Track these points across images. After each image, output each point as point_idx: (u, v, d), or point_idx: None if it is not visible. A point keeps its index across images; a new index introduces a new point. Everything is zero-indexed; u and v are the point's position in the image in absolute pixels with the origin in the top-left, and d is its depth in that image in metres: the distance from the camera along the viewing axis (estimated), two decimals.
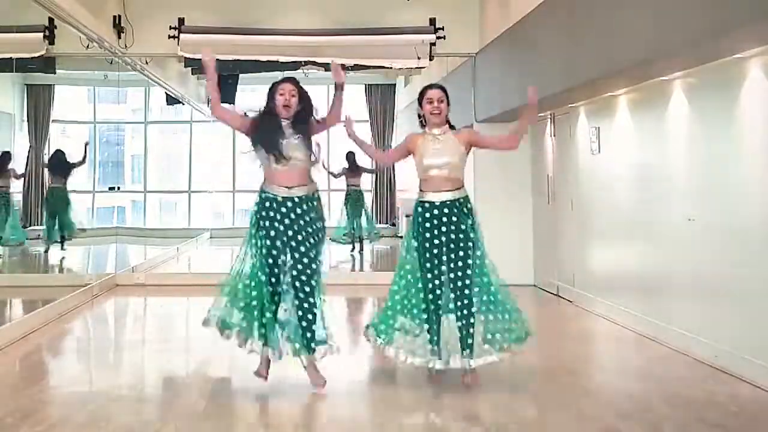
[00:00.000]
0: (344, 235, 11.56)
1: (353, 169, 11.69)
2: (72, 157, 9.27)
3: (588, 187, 6.99)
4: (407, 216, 13.38)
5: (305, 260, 4.16)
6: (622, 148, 6.28)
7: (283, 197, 4.18)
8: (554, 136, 7.87)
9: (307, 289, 4.16)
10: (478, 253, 4.28)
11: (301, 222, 4.17)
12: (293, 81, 4.34)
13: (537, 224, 8.41)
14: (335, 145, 14.05)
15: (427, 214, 4.27)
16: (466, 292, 4.22)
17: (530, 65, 6.71)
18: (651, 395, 4.24)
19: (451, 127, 4.44)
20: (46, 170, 9.10)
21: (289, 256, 4.17)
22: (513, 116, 7.82)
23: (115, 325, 7.16)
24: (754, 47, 4.22)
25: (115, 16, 8.21)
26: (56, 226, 9.03)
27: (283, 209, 4.17)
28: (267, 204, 4.20)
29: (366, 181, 12.37)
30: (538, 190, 8.32)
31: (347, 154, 11.71)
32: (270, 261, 4.16)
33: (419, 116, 4.46)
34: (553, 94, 6.27)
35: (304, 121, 4.29)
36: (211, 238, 13.86)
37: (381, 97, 14.14)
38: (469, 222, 4.26)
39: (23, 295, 7.60)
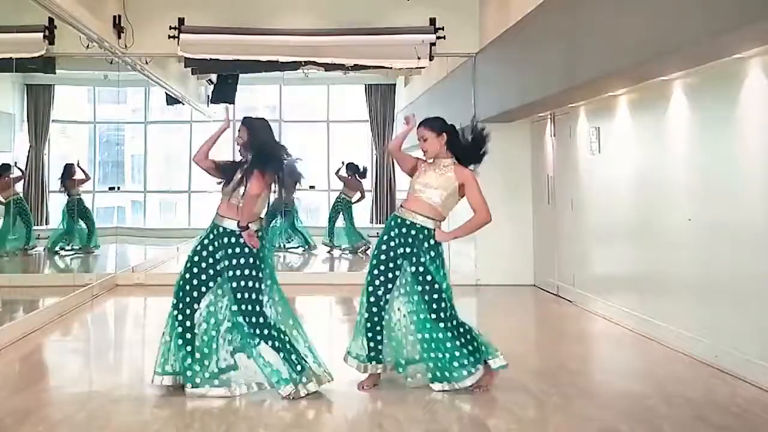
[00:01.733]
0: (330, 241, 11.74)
1: (354, 182, 11.79)
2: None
3: (588, 188, 6.99)
4: None
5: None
6: (622, 148, 6.28)
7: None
8: (554, 136, 7.87)
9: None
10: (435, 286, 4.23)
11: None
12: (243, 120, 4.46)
13: (537, 224, 8.41)
14: (334, 147, 14.09)
15: (393, 231, 4.31)
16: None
17: (530, 65, 6.71)
18: (651, 395, 4.24)
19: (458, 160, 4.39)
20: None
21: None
22: (513, 116, 7.84)
23: (115, 325, 7.16)
24: (754, 47, 4.22)
25: (115, 16, 8.20)
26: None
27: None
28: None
29: (365, 183, 12.39)
30: (538, 191, 8.32)
31: (351, 166, 11.81)
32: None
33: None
34: (553, 94, 6.27)
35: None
36: None
37: (381, 97, 14.13)
38: (430, 254, 4.25)
39: (23, 295, 7.60)
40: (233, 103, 12.07)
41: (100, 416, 3.83)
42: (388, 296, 4.29)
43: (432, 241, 4.25)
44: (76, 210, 9.52)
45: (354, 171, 11.93)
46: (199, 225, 13.90)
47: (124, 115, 12.43)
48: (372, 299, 4.28)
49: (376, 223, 13.70)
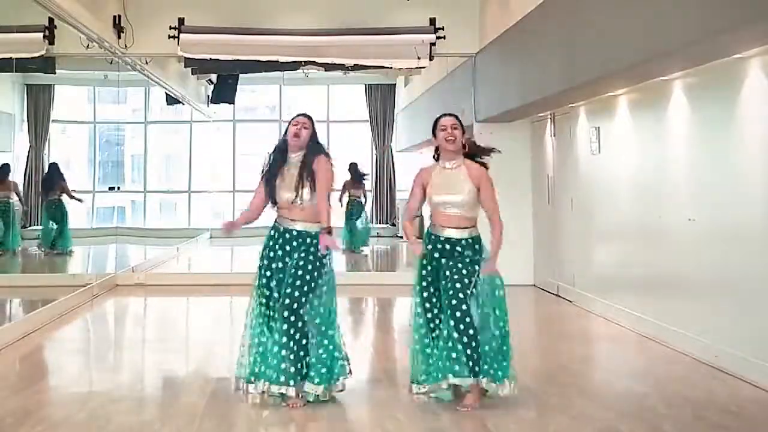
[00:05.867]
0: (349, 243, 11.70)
1: (356, 180, 11.74)
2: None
3: (588, 187, 6.99)
4: None
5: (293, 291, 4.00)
6: (622, 148, 6.28)
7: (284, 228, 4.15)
8: (554, 136, 7.87)
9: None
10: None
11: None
12: (307, 114, 4.30)
13: (537, 224, 8.41)
14: (335, 147, 14.09)
15: (437, 246, 4.09)
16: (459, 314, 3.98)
17: (530, 65, 6.71)
18: (651, 395, 4.24)
19: (471, 158, 4.19)
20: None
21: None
22: (513, 116, 7.84)
23: (115, 325, 7.16)
24: (754, 47, 4.22)
25: (115, 16, 8.20)
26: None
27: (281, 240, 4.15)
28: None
29: (365, 183, 12.40)
30: (538, 190, 8.32)
31: (350, 165, 11.79)
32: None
33: (435, 149, 4.24)
34: (553, 94, 6.27)
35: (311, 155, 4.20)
36: (211, 238, 13.86)
37: (381, 97, 14.15)
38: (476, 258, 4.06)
39: (23, 295, 7.60)
40: (233, 103, 12.10)
41: (100, 416, 3.83)
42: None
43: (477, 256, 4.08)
44: (55, 212, 9.32)
45: (354, 169, 11.86)
46: (199, 225, 13.96)
47: (124, 115, 12.43)
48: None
49: (377, 223, 13.72)
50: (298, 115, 4.29)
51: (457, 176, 4.11)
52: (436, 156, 4.25)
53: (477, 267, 4.04)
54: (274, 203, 4.21)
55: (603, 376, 4.89)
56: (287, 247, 4.11)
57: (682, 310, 5.30)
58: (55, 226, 9.35)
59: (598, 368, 5.23)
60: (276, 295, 4.08)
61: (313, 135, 4.23)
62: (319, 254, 4.06)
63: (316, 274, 4.04)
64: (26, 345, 5.57)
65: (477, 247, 4.10)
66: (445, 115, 4.25)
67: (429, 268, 4.12)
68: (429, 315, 4.12)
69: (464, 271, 4.00)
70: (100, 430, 3.63)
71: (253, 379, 3.99)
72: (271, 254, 4.14)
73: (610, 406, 4.05)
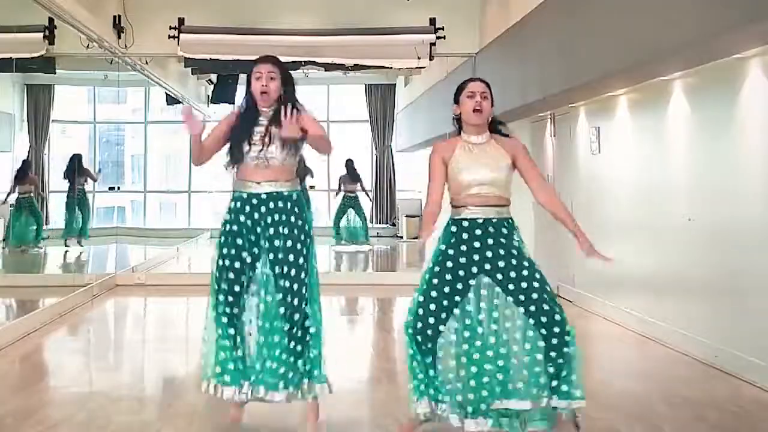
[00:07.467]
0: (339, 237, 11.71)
1: (353, 177, 11.77)
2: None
3: (588, 187, 6.99)
4: (407, 216, 13.49)
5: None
6: (622, 148, 6.28)
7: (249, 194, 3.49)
8: (554, 136, 7.86)
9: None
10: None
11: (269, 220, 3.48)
12: (273, 60, 3.56)
13: (537, 224, 8.40)
14: (334, 147, 14.05)
15: (473, 233, 3.32)
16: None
17: (530, 65, 6.71)
18: (651, 395, 4.24)
19: (498, 132, 3.51)
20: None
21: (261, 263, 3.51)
22: (513, 116, 7.83)
23: (115, 325, 7.16)
24: (754, 47, 4.22)
25: (115, 16, 8.20)
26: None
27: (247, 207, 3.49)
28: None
29: (364, 182, 12.41)
30: None
31: (346, 162, 11.80)
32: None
33: (454, 118, 3.49)
34: (553, 94, 6.27)
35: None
36: (211, 238, 13.83)
37: (381, 97, 14.15)
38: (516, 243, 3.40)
39: (23, 295, 7.60)
40: (233, 103, 12.08)
41: (100, 416, 3.83)
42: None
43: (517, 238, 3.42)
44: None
45: (351, 166, 11.86)
46: (199, 225, 13.96)
47: (124, 115, 12.45)
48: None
49: (377, 222, 13.72)
50: (259, 62, 3.53)
51: (491, 151, 3.42)
52: (457, 128, 3.50)
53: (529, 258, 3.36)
54: (233, 163, 3.54)
55: (603, 376, 4.89)
56: (256, 215, 3.46)
57: (682, 310, 5.30)
58: (79, 216, 9.58)
59: (598, 368, 5.23)
60: (244, 280, 3.49)
61: (286, 81, 3.52)
62: (297, 221, 3.45)
63: (299, 246, 3.44)
64: (26, 345, 5.57)
65: (518, 232, 3.45)
66: (474, 79, 3.48)
67: (460, 260, 3.27)
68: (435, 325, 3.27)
69: (525, 263, 3.30)
70: (100, 430, 3.63)
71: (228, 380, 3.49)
72: (234, 228, 3.48)
73: (610, 406, 4.05)
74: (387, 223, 14.09)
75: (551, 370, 3.16)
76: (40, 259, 9.32)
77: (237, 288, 3.49)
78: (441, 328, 3.26)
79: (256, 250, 3.50)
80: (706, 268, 5.00)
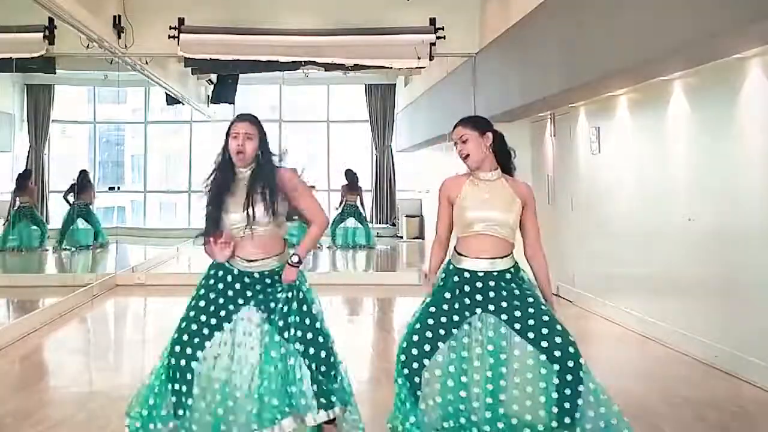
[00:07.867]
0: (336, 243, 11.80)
1: (353, 188, 11.83)
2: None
3: (588, 187, 6.99)
4: (407, 216, 13.48)
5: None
6: (622, 148, 6.28)
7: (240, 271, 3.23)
8: (554, 136, 7.86)
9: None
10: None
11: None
12: (250, 119, 3.29)
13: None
14: (334, 147, 14.09)
15: (467, 287, 3.21)
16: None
17: (530, 65, 6.71)
18: (651, 395, 4.24)
19: (508, 170, 3.49)
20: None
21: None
22: (513, 116, 7.83)
23: (115, 325, 7.16)
24: (754, 47, 4.22)
25: (115, 16, 8.20)
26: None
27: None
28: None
29: (365, 183, 12.45)
30: (538, 190, 8.30)
31: (346, 172, 11.84)
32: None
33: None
34: (553, 94, 6.26)
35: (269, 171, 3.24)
36: None
37: (381, 97, 14.13)
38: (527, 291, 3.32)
39: (23, 295, 7.60)
40: (233, 103, 12.10)
41: (100, 416, 3.83)
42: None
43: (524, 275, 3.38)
44: (87, 214, 9.73)
45: (351, 176, 11.99)
46: (199, 225, 13.95)
47: (124, 115, 12.45)
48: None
49: (377, 223, 13.72)
50: (237, 121, 3.26)
51: (501, 190, 3.33)
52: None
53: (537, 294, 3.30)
54: (206, 236, 3.26)
55: (603, 376, 4.86)
56: (248, 293, 3.21)
57: (682, 310, 5.30)
58: (84, 226, 9.73)
59: (598, 368, 5.19)
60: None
61: (262, 141, 3.25)
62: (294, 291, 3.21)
63: (305, 307, 3.22)
64: (26, 345, 5.57)
65: (523, 277, 3.37)
66: (456, 124, 3.38)
67: (455, 305, 3.18)
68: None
69: (531, 299, 3.29)
70: (100, 430, 3.63)
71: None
72: (213, 296, 3.20)
73: None
74: (387, 223, 14.08)
75: (566, 405, 3.14)
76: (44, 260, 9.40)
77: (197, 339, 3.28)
78: (425, 361, 3.14)
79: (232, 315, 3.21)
80: (706, 268, 5.00)
